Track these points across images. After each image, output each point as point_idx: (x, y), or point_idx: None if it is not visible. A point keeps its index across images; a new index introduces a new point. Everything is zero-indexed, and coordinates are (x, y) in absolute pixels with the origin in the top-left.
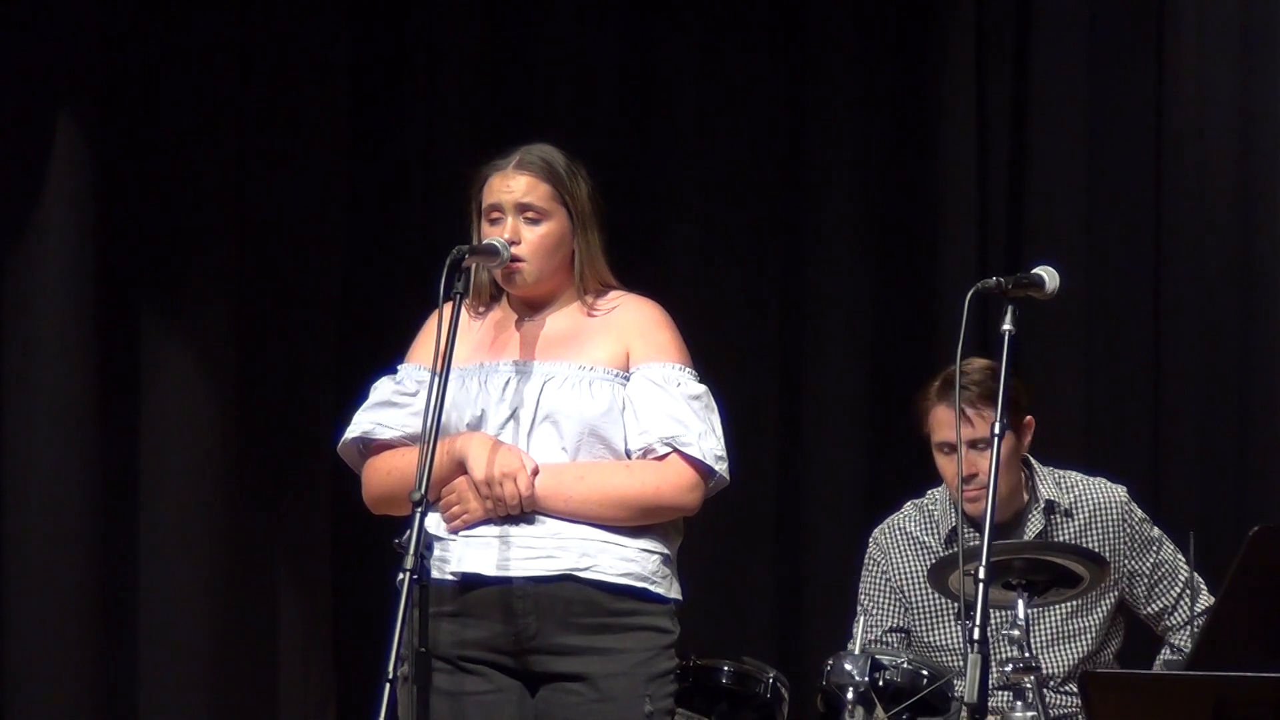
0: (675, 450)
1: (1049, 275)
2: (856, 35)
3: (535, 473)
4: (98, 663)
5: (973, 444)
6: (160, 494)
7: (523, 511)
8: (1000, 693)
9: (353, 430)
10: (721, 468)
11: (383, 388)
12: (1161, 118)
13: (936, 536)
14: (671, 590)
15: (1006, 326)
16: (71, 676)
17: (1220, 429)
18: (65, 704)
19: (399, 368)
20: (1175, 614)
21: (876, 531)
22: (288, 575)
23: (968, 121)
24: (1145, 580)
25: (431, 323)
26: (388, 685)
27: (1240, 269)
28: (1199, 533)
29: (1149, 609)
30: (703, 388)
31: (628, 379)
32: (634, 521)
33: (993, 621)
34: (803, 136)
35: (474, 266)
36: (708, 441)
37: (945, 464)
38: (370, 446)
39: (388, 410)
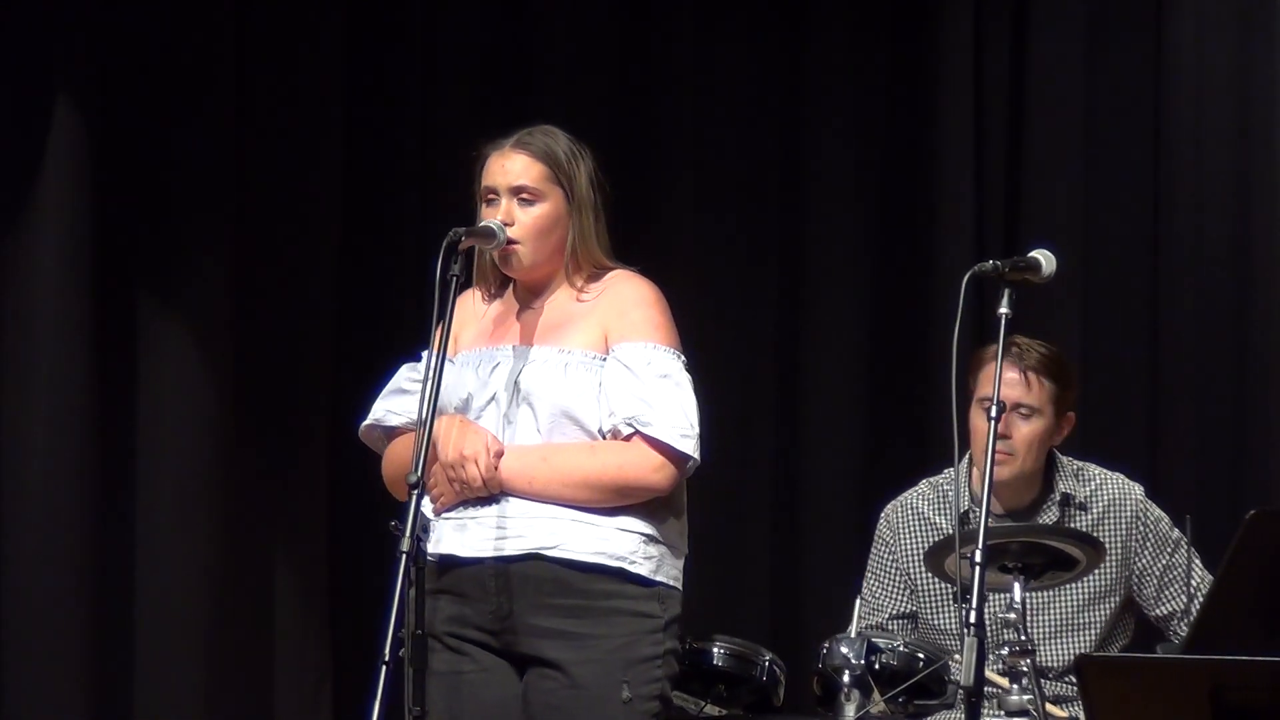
0: (637, 431)
1: (1046, 259)
2: (853, 13)
3: (500, 455)
4: (94, 641)
5: (1017, 407)
6: (157, 472)
7: (489, 493)
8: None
9: (369, 417)
10: (687, 445)
11: (399, 375)
12: (1159, 97)
13: (947, 517)
14: (659, 572)
15: (1003, 309)
16: (68, 653)
17: (1217, 412)
18: (62, 681)
19: (421, 354)
20: (1184, 622)
21: (889, 508)
22: (284, 554)
23: (965, 103)
24: (1155, 581)
25: (455, 311)
26: (384, 668)
27: (1237, 250)
28: (1195, 517)
29: (1158, 610)
30: (676, 364)
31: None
32: (603, 502)
33: (991, 605)
34: (799, 118)
35: (474, 249)
36: (672, 420)
37: (978, 420)
38: (391, 433)
39: (399, 397)
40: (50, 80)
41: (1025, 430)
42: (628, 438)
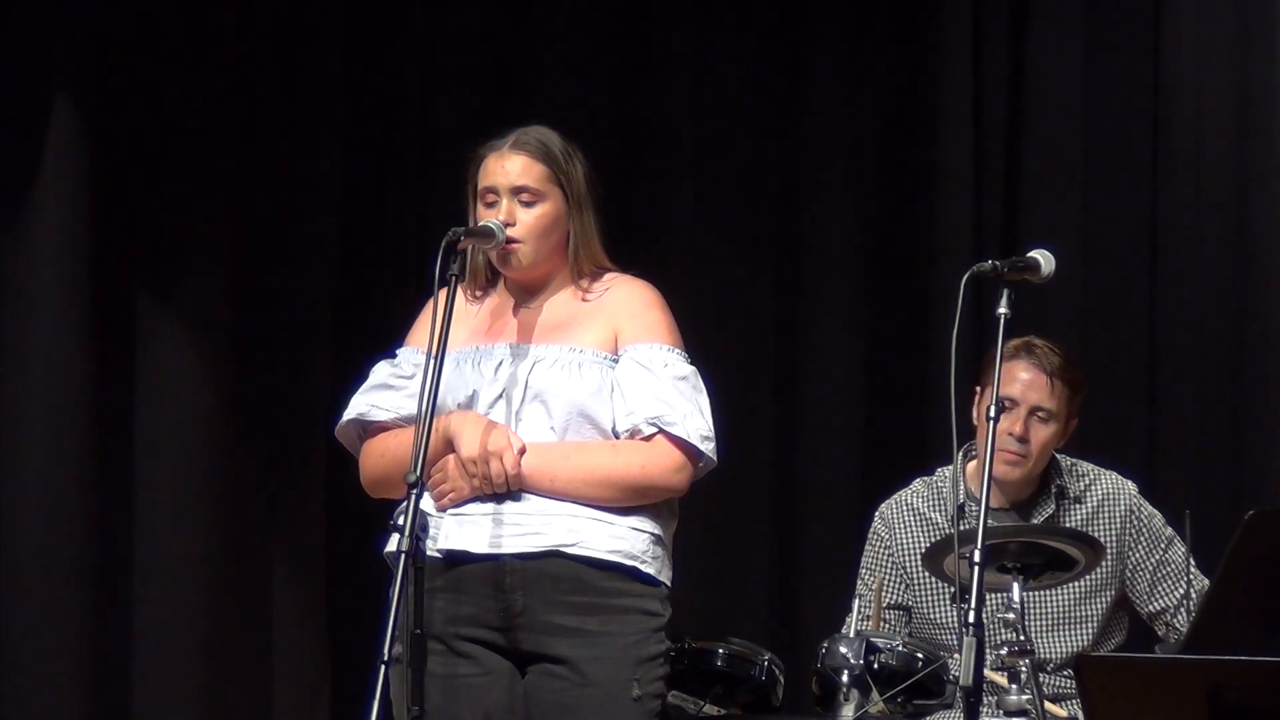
0: (661, 431)
1: (1044, 259)
2: (852, 17)
3: (522, 452)
4: (92, 643)
5: (1036, 410)
6: (155, 472)
7: (509, 490)
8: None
9: (349, 412)
10: (708, 448)
11: (380, 370)
12: (1158, 99)
13: (944, 513)
14: (662, 572)
15: (1002, 310)
16: (66, 655)
17: (1215, 412)
18: (60, 683)
19: (397, 351)
20: (1178, 617)
21: (883, 506)
22: (283, 554)
23: (964, 103)
24: (1147, 577)
25: (430, 307)
26: (383, 667)
27: (1236, 251)
28: (1194, 516)
29: (1150, 607)
30: (690, 368)
31: (617, 361)
32: (621, 502)
33: (989, 605)
34: (798, 119)
35: (469, 249)
36: (694, 422)
37: (1000, 422)
38: (367, 429)
39: (383, 393)
40: (49, 79)
41: (1043, 434)
42: (647, 437)
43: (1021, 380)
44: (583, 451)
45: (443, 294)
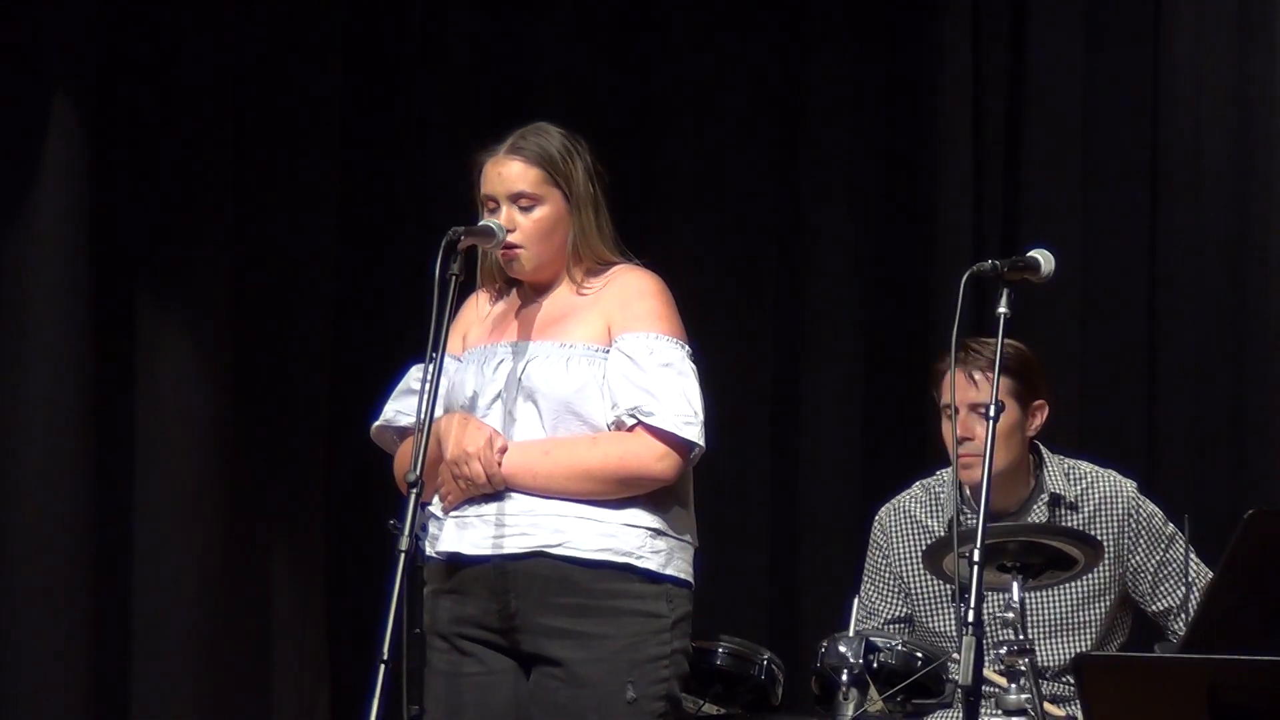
0: (640, 421)
1: (1044, 258)
2: (852, 17)
3: (503, 451)
4: (92, 643)
5: (973, 408)
6: (155, 472)
7: (494, 489)
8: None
9: (380, 419)
10: (690, 433)
11: (410, 375)
12: (1157, 100)
13: (939, 519)
14: (669, 566)
15: (1001, 309)
16: (66, 653)
17: (1215, 412)
18: (60, 681)
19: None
20: (1179, 619)
21: (882, 511)
22: (282, 554)
23: (964, 104)
24: (1149, 577)
25: (463, 310)
26: (382, 667)
27: (1235, 251)
28: (1193, 517)
29: (1155, 606)
30: (678, 353)
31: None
32: (607, 495)
33: (989, 605)
34: (798, 121)
35: (480, 249)
36: (674, 408)
37: (945, 428)
38: (403, 434)
39: (408, 398)
40: (49, 79)
41: (984, 430)
42: (631, 428)
43: (949, 386)
44: (562, 447)
45: (472, 297)
